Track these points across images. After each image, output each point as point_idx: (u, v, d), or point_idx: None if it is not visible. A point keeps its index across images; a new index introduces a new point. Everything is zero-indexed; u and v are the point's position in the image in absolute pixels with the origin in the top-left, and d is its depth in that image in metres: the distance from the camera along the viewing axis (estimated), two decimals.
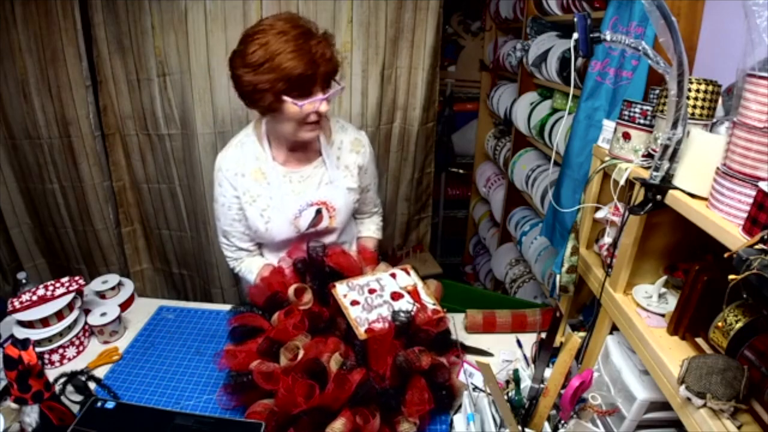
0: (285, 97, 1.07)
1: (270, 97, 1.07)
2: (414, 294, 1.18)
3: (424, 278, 1.26)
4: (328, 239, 1.37)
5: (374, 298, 1.16)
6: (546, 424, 0.88)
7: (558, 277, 1.21)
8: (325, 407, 0.94)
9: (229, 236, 1.34)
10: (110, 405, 0.99)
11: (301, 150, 1.28)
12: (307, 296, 1.16)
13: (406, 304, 1.15)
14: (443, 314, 1.15)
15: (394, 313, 1.11)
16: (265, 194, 1.26)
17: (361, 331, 1.06)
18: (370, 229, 1.53)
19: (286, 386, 0.96)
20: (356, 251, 1.40)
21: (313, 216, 1.30)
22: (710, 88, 0.84)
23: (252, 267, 1.36)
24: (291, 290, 1.15)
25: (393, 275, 1.23)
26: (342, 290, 1.16)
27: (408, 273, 1.25)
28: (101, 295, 1.41)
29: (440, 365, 1.06)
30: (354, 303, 1.13)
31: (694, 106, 0.85)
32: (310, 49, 1.05)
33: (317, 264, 1.22)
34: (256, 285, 1.24)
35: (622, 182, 0.94)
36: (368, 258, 1.30)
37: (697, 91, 0.84)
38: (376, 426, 0.93)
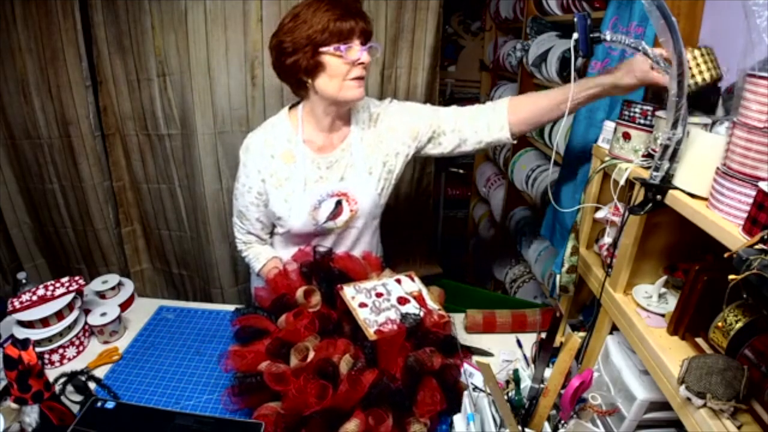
0: (323, 49, 1.09)
1: (310, 51, 1.09)
2: (420, 299, 1.19)
3: (423, 279, 1.27)
4: (349, 239, 1.36)
5: (382, 302, 1.16)
6: (546, 424, 0.88)
7: (558, 277, 1.21)
8: (337, 408, 0.94)
9: (243, 218, 1.33)
10: (110, 405, 0.99)
11: (340, 123, 1.26)
12: (316, 298, 1.16)
13: (412, 308, 1.15)
14: (449, 319, 1.15)
15: (403, 316, 1.11)
16: (293, 178, 1.25)
17: (370, 332, 1.05)
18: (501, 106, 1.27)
19: (298, 387, 0.95)
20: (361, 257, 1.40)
21: (333, 208, 1.28)
22: (705, 50, 0.94)
23: (260, 256, 1.36)
24: (300, 292, 1.15)
25: (398, 281, 1.24)
26: (350, 292, 1.16)
27: (413, 279, 1.26)
28: (101, 295, 1.41)
29: (450, 365, 1.06)
30: (362, 305, 1.13)
31: (701, 72, 0.92)
32: (346, 4, 1.10)
33: (324, 267, 1.22)
34: (263, 287, 1.23)
35: (622, 182, 0.94)
36: (373, 264, 1.30)
37: (695, 57, 0.92)
38: (389, 427, 0.93)
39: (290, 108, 1.29)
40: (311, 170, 1.26)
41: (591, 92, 1.14)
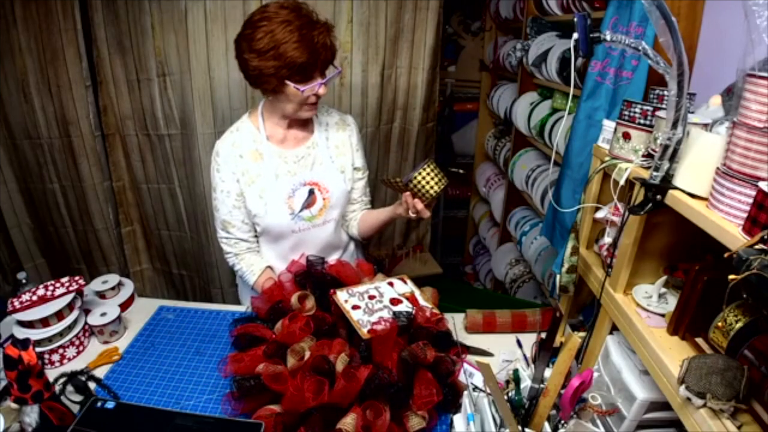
0: (288, 82, 1.15)
1: (274, 81, 1.15)
2: (412, 299, 1.21)
3: (423, 278, 1.28)
4: (325, 232, 1.38)
5: (374, 303, 1.18)
6: (546, 424, 0.88)
7: (558, 277, 1.21)
8: (335, 404, 0.95)
9: (229, 227, 1.35)
10: (110, 405, 0.99)
11: (298, 127, 1.34)
12: (310, 302, 1.19)
13: (405, 308, 1.17)
14: (442, 316, 1.17)
15: (395, 314, 1.13)
16: (263, 174, 1.30)
17: (364, 332, 1.07)
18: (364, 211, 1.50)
19: (295, 385, 0.96)
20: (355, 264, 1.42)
21: (307, 196, 1.33)
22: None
23: (254, 268, 1.37)
24: (294, 297, 1.17)
25: (390, 284, 1.27)
26: (343, 296, 1.19)
27: (405, 282, 1.29)
28: (101, 295, 1.41)
29: (444, 358, 1.07)
30: (355, 307, 1.16)
31: (437, 183, 1.12)
32: (312, 38, 1.12)
33: (317, 275, 1.26)
34: (258, 297, 1.25)
35: (622, 182, 0.94)
36: (366, 270, 1.33)
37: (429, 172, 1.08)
38: (386, 420, 0.94)
39: (250, 111, 1.35)
40: (280, 164, 1.31)
41: (381, 218, 1.40)
